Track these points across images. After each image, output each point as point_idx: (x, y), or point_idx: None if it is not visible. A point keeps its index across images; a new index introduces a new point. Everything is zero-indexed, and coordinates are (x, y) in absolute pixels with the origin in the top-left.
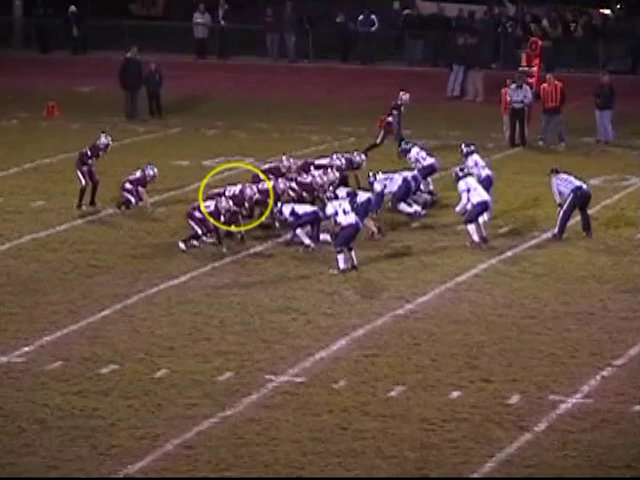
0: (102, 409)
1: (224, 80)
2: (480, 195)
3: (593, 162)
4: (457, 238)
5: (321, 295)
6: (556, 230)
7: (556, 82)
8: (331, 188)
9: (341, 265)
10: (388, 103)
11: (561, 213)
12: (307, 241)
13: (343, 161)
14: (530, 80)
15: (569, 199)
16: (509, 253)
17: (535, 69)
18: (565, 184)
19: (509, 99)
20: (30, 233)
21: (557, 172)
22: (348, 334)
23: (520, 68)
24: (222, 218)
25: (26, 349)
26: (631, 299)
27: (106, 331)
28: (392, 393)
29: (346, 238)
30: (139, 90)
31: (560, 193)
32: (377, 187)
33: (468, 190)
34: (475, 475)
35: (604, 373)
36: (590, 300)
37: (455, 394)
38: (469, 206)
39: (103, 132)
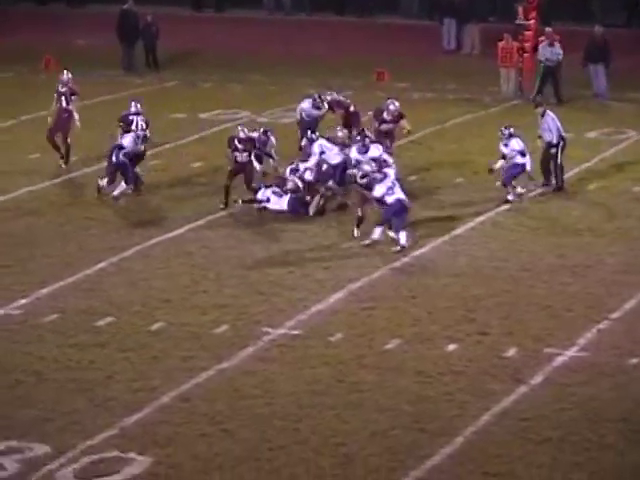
0: (98, 361)
1: (220, 33)
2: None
3: (590, 115)
4: (453, 192)
5: (318, 249)
6: (555, 182)
7: (554, 36)
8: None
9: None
10: (384, 57)
11: (556, 164)
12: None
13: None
14: (528, 33)
15: (560, 147)
16: (506, 206)
17: (532, 22)
18: (554, 124)
19: (542, 58)
20: (26, 186)
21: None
22: (345, 287)
23: (517, 21)
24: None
25: (22, 301)
26: (627, 252)
27: (102, 284)
28: (388, 346)
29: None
30: (136, 43)
31: (549, 130)
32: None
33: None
34: (471, 428)
35: (600, 326)
36: (586, 253)
37: (451, 347)
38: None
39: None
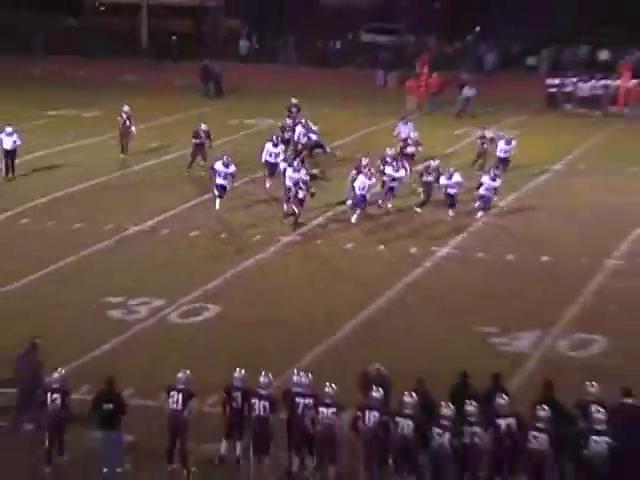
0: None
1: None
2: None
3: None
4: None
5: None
6: None
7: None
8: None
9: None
10: (344, 90)
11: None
12: None
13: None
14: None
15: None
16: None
17: (425, 71)
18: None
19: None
20: None
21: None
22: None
23: (416, 70)
24: None
25: None
26: None
27: None
28: (348, 246)
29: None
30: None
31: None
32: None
33: None
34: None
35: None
36: None
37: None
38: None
39: None
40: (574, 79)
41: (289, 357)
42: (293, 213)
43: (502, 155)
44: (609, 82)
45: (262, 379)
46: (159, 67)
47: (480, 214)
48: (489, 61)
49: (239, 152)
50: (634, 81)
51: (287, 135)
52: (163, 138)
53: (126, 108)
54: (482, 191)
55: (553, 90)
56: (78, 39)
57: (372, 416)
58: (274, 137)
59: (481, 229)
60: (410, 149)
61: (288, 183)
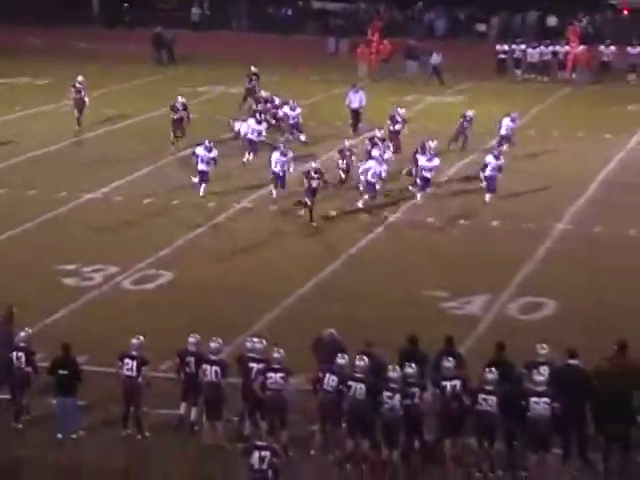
0: None
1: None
2: None
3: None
4: None
5: None
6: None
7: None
8: None
9: None
10: (297, 57)
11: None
12: None
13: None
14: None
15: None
16: None
17: (376, 37)
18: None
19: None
20: None
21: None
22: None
23: (368, 37)
24: None
25: None
26: None
27: None
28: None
29: None
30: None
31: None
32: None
33: None
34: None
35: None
36: None
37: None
38: None
39: None
40: (523, 45)
41: (244, 322)
42: (305, 204)
43: (506, 133)
44: (558, 48)
45: (212, 345)
46: (111, 34)
47: (488, 197)
48: (439, 28)
49: (191, 119)
50: (582, 47)
51: (260, 107)
52: (116, 106)
53: (80, 78)
54: (489, 172)
55: (503, 56)
56: (30, 6)
57: (331, 380)
58: (257, 114)
59: (432, 195)
60: (397, 126)
61: (275, 168)
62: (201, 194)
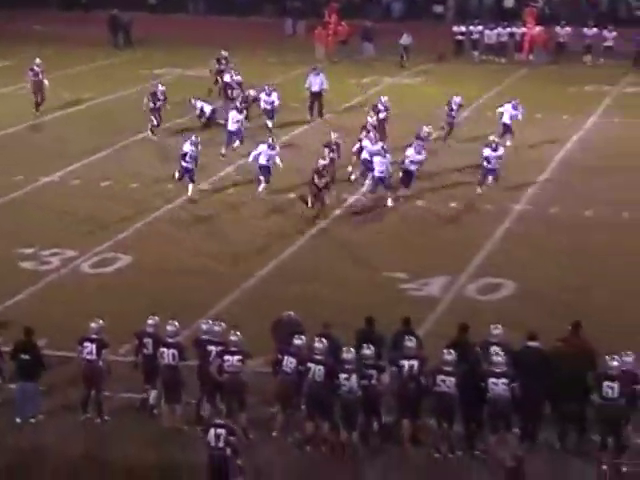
0: None
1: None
2: None
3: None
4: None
5: None
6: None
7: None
8: None
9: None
10: (255, 39)
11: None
12: None
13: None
14: (330, 26)
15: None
16: None
17: (333, 20)
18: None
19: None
20: None
21: None
22: None
23: (325, 19)
24: None
25: None
26: None
27: None
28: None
29: None
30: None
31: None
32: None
33: None
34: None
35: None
36: None
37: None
38: None
39: None
40: (481, 27)
41: (203, 305)
42: (314, 203)
43: (508, 122)
44: (515, 29)
45: (169, 327)
46: (68, 17)
47: (491, 180)
48: (396, 9)
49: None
50: (539, 28)
51: (235, 93)
52: (73, 89)
53: (37, 61)
54: (491, 165)
55: (460, 38)
56: None
57: (290, 362)
58: (237, 103)
59: (391, 177)
60: (382, 115)
61: (262, 162)
62: (189, 194)
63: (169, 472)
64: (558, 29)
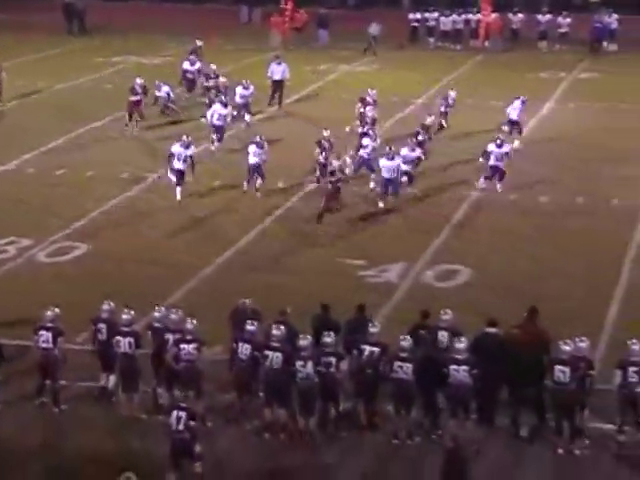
0: None
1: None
2: None
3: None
4: None
5: None
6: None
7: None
8: None
9: None
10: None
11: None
12: None
13: None
14: (286, 13)
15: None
16: None
17: (289, 6)
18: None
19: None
20: None
21: None
22: None
23: (281, 5)
24: None
25: None
26: None
27: None
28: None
29: None
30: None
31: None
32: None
33: None
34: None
35: None
36: None
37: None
38: None
39: None
40: (436, 14)
41: (161, 293)
42: (326, 209)
43: (516, 118)
44: (470, 16)
45: (124, 316)
46: (23, 4)
47: (499, 186)
48: None
49: (104, 90)
50: (494, 15)
51: (211, 83)
52: (28, 77)
53: None
54: (493, 162)
55: (416, 25)
56: None
57: (245, 349)
58: (222, 97)
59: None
60: (369, 108)
61: (252, 161)
62: (178, 197)
63: (128, 461)
64: (511, 16)
